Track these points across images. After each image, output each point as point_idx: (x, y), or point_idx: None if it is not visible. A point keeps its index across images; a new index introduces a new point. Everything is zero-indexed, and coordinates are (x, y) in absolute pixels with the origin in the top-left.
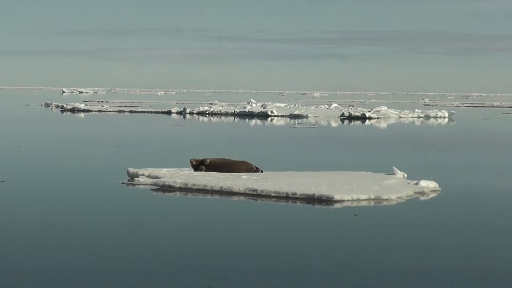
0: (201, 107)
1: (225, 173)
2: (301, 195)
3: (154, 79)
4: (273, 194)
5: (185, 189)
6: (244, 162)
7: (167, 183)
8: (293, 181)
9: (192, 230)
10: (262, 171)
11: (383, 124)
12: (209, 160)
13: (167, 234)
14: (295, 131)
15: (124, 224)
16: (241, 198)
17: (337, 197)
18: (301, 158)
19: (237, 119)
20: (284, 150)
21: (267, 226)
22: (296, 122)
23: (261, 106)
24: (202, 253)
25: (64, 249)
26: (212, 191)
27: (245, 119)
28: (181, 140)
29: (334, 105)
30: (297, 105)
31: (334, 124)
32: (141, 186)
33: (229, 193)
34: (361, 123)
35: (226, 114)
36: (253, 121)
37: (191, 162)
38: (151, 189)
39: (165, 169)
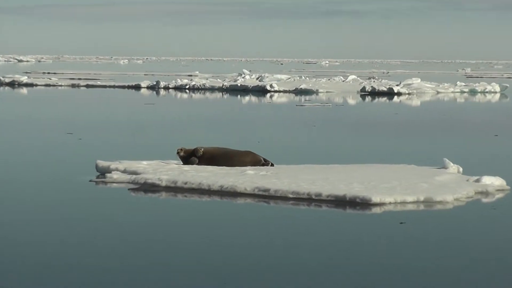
0: (179, 80)
1: (224, 166)
2: (328, 196)
3: (114, 43)
4: (290, 196)
5: (173, 189)
6: (249, 152)
7: (149, 181)
8: (315, 178)
9: (186, 245)
10: (272, 165)
11: (416, 101)
12: (202, 149)
13: (152, 251)
14: (304, 111)
15: (93, 237)
16: (248, 200)
17: (375, 199)
18: (317, 147)
19: (226, 96)
20: (293, 136)
21: (286, 240)
22: (304, 99)
23: (257, 79)
24: (203, 277)
25: (10, 273)
26: (209, 191)
27: (236, 95)
28: (157, 124)
29: (351, 77)
30: (303, 77)
31: (353, 101)
32: (115, 184)
33: (232, 193)
34: (388, 100)
35: (212, 89)
36: (248, 98)
37: (178, 153)
38: (129, 189)
39: (145, 162)
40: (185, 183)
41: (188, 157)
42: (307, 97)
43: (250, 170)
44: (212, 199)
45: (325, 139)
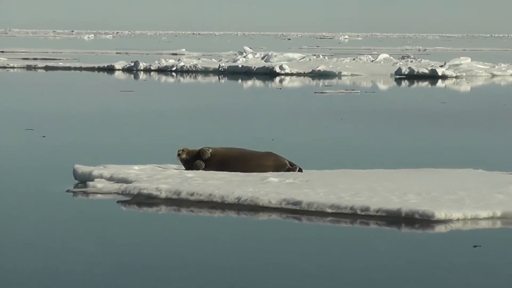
0: (163, 60)
1: (239, 172)
2: (377, 211)
3: (76, 14)
4: (328, 210)
5: (175, 202)
6: (270, 154)
7: (144, 191)
8: (358, 187)
9: (196, 275)
10: (300, 170)
11: (465, 87)
12: (210, 150)
13: (151, 284)
14: (324, 99)
15: (73, 268)
16: (273, 216)
17: (439, 214)
18: (351, 147)
19: (224, 80)
20: (316, 132)
21: (326, 266)
22: (323, 84)
23: (263, 59)
24: None
25: None
26: (222, 205)
27: (237, 79)
28: (140, 117)
29: (383, 56)
30: (320, 56)
31: (386, 86)
32: (100, 195)
33: (252, 208)
34: (430, 86)
35: (206, 72)
36: (252, 82)
37: (180, 155)
38: (118, 202)
39: (136, 167)
40: (191, 194)
41: (192, 160)
42: (327, 82)
43: (273, 177)
44: (227, 214)
45: (359, 135)
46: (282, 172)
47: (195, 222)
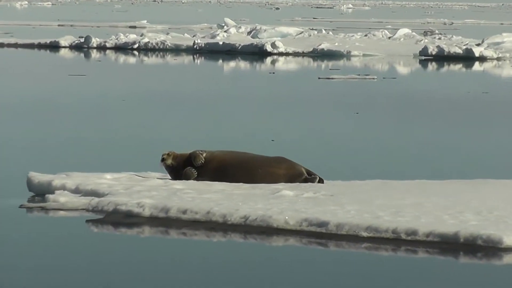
0: (121, 36)
1: (242, 183)
2: (428, 235)
3: None
4: (364, 234)
5: (163, 221)
6: (283, 160)
7: (122, 208)
8: (398, 203)
9: None
10: (321, 180)
11: (510, 71)
12: (204, 155)
13: None
14: (332, 86)
15: None
16: (292, 241)
17: (508, 240)
18: (380, 150)
19: (201, 61)
20: (328, 130)
21: None
22: (328, 67)
23: (249, 34)
24: None
25: None
26: (224, 227)
27: (217, 59)
28: (101, 109)
29: (403, 31)
30: (322, 31)
31: (408, 70)
32: (63, 213)
33: (264, 230)
34: (465, 69)
35: (177, 50)
36: (236, 63)
37: (164, 160)
38: (87, 221)
39: (108, 175)
40: (183, 212)
41: (181, 167)
42: (333, 64)
43: (287, 190)
44: (230, 239)
45: (385, 135)
46: (298, 184)
47: (189, 248)
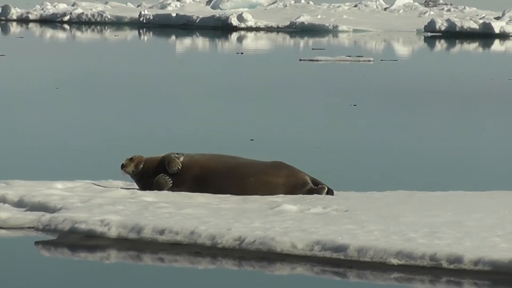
0: (48, 5)
1: (230, 194)
2: (475, 263)
3: None
4: (393, 261)
5: (134, 244)
6: (281, 165)
7: (81, 226)
8: (432, 222)
9: None
10: (330, 191)
11: None
12: (182, 159)
13: None
14: (317, 71)
15: None
16: (300, 270)
17: None
18: (396, 153)
19: (149, 37)
20: (322, 128)
21: None
22: (311, 46)
23: (208, 4)
24: None
25: None
26: (213, 251)
27: (169, 35)
28: (31, 97)
29: (402, 0)
30: (300, 1)
31: (411, 50)
32: (4, 232)
33: (265, 255)
34: (482, 49)
35: (118, 24)
36: (192, 40)
37: (124, 167)
38: (37, 243)
39: (59, 184)
40: (160, 232)
41: (151, 173)
42: (316, 42)
43: (288, 204)
44: (221, 266)
45: (399, 134)
46: (301, 196)
47: (167, 279)
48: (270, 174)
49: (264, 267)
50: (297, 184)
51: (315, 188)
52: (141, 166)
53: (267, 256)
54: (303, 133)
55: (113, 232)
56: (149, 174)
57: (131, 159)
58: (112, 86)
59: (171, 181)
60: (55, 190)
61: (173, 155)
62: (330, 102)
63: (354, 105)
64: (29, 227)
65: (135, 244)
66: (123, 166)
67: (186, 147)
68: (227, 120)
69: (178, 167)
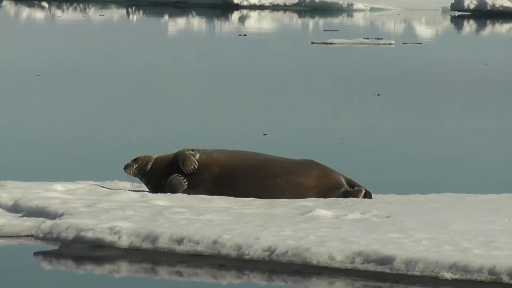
0: None
1: (253, 197)
2: None
3: None
4: (446, 275)
5: (149, 255)
6: (312, 164)
7: (87, 235)
8: (487, 229)
9: None
10: (368, 195)
11: None
12: (198, 156)
13: None
14: (332, 55)
15: None
16: (340, 285)
17: None
18: (435, 149)
19: (138, 15)
20: (344, 121)
21: None
22: (324, 27)
23: None
24: None
25: None
26: (239, 263)
27: (161, 14)
28: (22, 90)
29: None
30: None
31: (435, 31)
32: None
33: (299, 268)
34: None
35: (104, 1)
36: (189, 21)
37: (127, 169)
38: (36, 253)
39: (59, 186)
40: (178, 241)
41: (163, 173)
42: (329, 22)
43: (321, 208)
44: (249, 281)
45: (436, 128)
46: (335, 199)
47: None
48: (300, 174)
49: (298, 282)
50: (330, 185)
51: (351, 190)
52: (149, 166)
53: (301, 269)
54: (323, 127)
55: (124, 241)
56: (161, 175)
57: (135, 160)
58: (101, 74)
59: (186, 182)
60: (54, 193)
61: (187, 152)
62: (350, 92)
63: (378, 94)
64: (27, 236)
65: (149, 255)
66: (125, 167)
67: (191, 143)
68: (235, 113)
69: (194, 166)
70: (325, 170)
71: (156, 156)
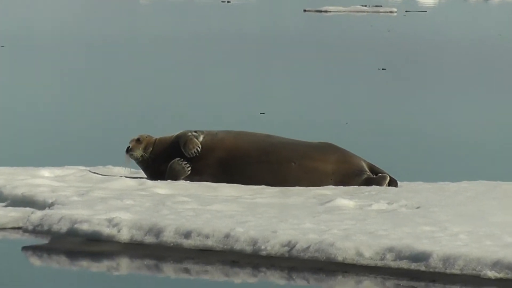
0: None
1: (265, 185)
2: None
3: None
4: (490, 274)
5: (152, 250)
6: (331, 147)
7: (82, 227)
8: None
9: None
10: (394, 182)
11: None
12: (201, 138)
13: None
14: (326, 24)
15: None
16: (368, 284)
17: None
18: (461, 131)
19: None
20: (357, 97)
21: None
22: None
23: None
24: None
25: None
26: (255, 259)
27: None
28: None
29: None
30: None
31: None
32: None
33: (323, 265)
34: None
35: None
36: None
37: (130, 151)
38: (24, 248)
39: (46, 172)
40: (185, 235)
41: (163, 158)
42: None
43: (342, 198)
44: (266, 279)
45: (447, 106)
46: (356, 187)
47: None
48: (317, 159)
49: (322, 281)
50: (350, 172)
51: (374, 177)
52: (150, 149)
53: (325, 266)
54: (325, 105)
55: (124, 235)
56: (161, 159)
57: (138, 140)
58: (71, 46)
59: (189, 168)
60: (41, 179)
61: (190, 134)
62: (351, 66)
63: (383, 69)
64: (13, 228)
65: (152, 250)
66: (129, 150)
67: (187, 123)
68: (227, 90)
69: (197, 149)
70: (344, 154)
71: (157, 137)
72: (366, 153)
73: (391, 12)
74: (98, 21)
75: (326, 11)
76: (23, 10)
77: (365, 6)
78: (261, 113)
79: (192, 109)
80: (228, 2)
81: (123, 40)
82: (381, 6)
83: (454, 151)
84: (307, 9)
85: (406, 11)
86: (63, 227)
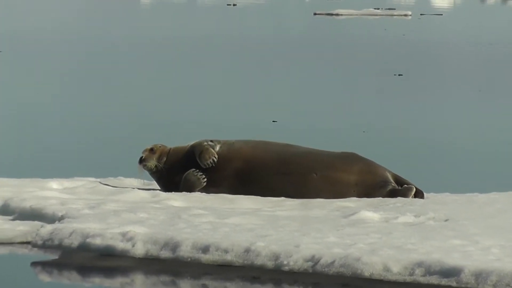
0: None
1: (285, 197)
2: None
3: None
4: None
5: (168, 265)
6: (354, 157)
7: (95, 242)
8: None
9: None
10: (420, 194)
11: None
12: (217, 148)
13: None
14: (338, 28)
15: None
16: None
17: None
18: (489, 139)
19: None
20: (374, 106)
21: None
22: None
23: None
24: None
25: None
26: (277, 275)
27: None
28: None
29: None
30: None
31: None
32: None
33: (349, 281)
34: None
35: None
36: None
37: (143, 162)
38: (33, 264)
39: (55, 184)
40: (203, 250)
41: (178, 168)
42: None
43: (367, 210)
44: None
45: (471, 113)
46: (381, 199)
47: None
48: (339, 170)
49: None
50: (375, 183)
51: (399, 189)
52: (164, 159)
53: (351, 282)
54: (341, 112)
55: (139, 250)
56: (175, 170)
57: (151, 150)
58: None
59: (205, 179)
60: (50, 192)
61: (205, 143)
62: (366, 72)
63: (400, 75)
64: (22, 242)
65: (169, 265)
66: (142, 160)
67: (196, 134)
68: (237, 98)
69: (213, 159)
70: (368, 164)
71: (171, 147)
72: (387, 163)
73: (405, 15)
74: (100, 21)
75: (337, 14)
76: (23, 10)
77: (378, 9)
78: (273, 121)
79: (200, 116)
80: (234, 5)
81: (126, 42)
82: (395, 9)
83: (482, 161)
84: (317, 12)
85: (421, 14)
86: (74, 241)
